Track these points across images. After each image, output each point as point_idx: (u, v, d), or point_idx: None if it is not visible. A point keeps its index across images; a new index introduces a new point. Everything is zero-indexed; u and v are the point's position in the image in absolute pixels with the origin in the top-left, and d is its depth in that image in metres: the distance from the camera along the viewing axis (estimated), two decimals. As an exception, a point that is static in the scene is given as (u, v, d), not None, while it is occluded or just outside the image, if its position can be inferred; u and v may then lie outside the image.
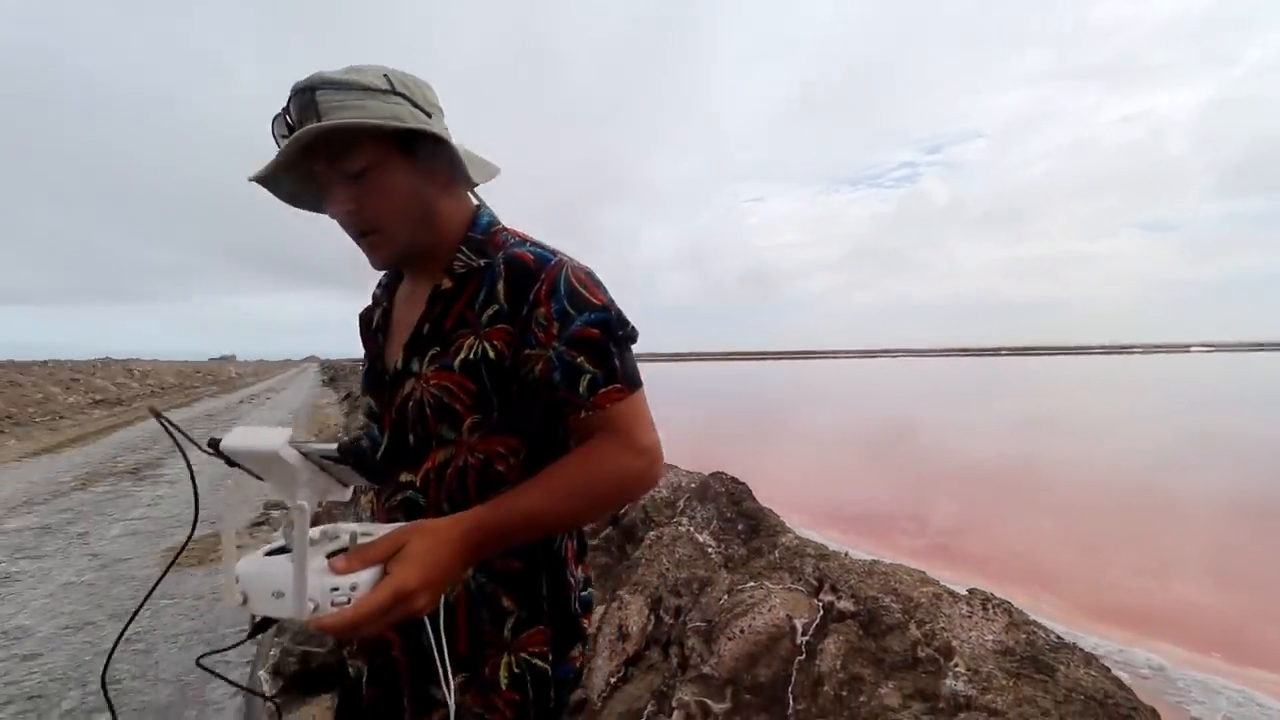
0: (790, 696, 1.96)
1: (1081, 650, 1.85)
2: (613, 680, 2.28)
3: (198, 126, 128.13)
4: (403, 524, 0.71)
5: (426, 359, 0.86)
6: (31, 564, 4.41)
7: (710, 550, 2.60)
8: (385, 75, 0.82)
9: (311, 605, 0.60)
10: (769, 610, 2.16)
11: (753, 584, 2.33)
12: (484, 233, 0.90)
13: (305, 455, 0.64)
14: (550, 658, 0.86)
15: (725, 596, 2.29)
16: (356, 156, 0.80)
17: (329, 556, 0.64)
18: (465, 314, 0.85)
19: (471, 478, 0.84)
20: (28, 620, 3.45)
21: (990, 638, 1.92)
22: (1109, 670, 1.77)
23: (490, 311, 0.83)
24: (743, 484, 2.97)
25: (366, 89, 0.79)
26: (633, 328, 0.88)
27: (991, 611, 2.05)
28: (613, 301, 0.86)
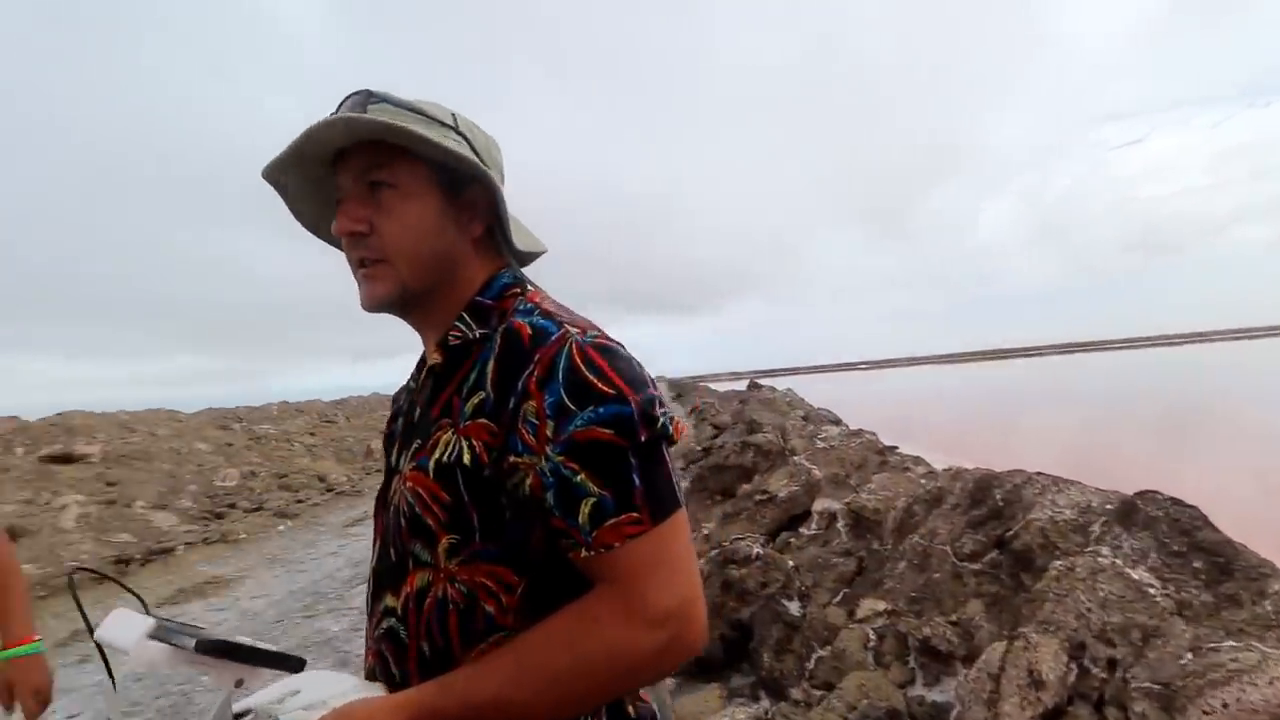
0: (1330, 813, 1.40)
1: None
2: (1026, 733, 1.95)
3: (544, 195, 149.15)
4: (334, 709, 0.61)
5: (410, 453, 0.71)
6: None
7: (1152, 592, 2.05)
8: (453, 114, 0.73)
9: None
10: (1268, 684, 1.60)
11: (1233, 643, 1.75)
12: (496, 296, 0.72)
13: (181, 648, 0.62)
14: None
15: (1189, 656, 1.77)
16: (390, 172, 0.69)
17: None
18: (453, 399, 0.68)
19: (453, 617, 0.66)
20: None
21: None
22: None
23: (475, 400, 0.66)
24: (1191, 507, 2.28)
25: (428, 116, 0.70)
26: (665, 423, 0.63)
27: None
28: (638, 386, 0.63)
